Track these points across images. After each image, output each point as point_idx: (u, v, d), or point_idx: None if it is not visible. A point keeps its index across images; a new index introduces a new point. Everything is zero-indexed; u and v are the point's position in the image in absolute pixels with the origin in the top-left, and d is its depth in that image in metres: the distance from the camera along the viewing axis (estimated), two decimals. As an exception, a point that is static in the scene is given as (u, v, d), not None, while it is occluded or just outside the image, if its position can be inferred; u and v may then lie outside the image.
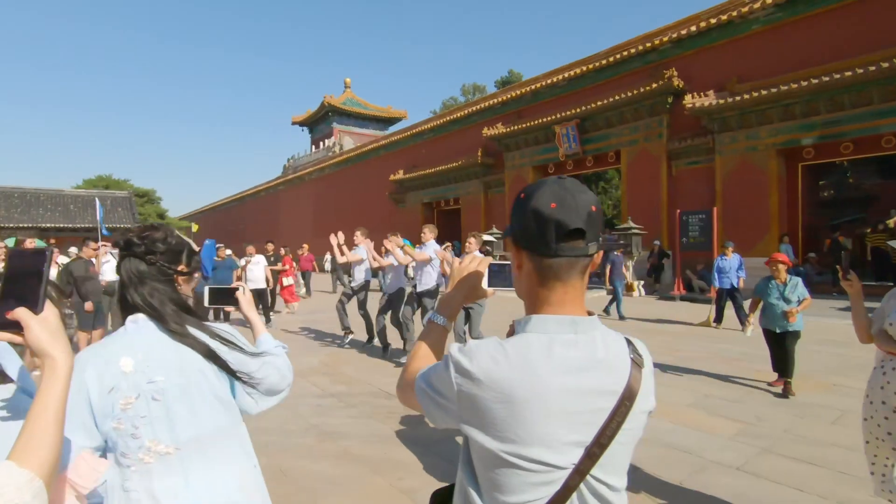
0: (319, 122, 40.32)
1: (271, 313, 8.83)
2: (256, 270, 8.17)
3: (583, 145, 17.01)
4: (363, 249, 6.76)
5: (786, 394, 4.61)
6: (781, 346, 4.78)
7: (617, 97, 15.37)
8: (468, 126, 22.17)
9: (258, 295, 8.34)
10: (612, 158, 17.01)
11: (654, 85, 14.47)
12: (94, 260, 6.46)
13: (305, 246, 15.58)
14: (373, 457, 3.29)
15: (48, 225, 31.85)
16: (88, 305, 6.11)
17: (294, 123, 42.54)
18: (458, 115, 22.78)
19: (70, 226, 32.34)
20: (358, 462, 3.24)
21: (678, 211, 13.06)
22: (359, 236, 6.99)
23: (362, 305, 6.68)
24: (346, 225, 31.49)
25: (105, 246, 7.35)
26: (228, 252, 8.17)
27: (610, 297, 9.94)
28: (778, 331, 4.78)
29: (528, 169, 19.18)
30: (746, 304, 6.40)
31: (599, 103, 15.85)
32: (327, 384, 4.89)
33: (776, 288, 4.83)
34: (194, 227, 28.33)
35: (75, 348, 5.84)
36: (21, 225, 30.67)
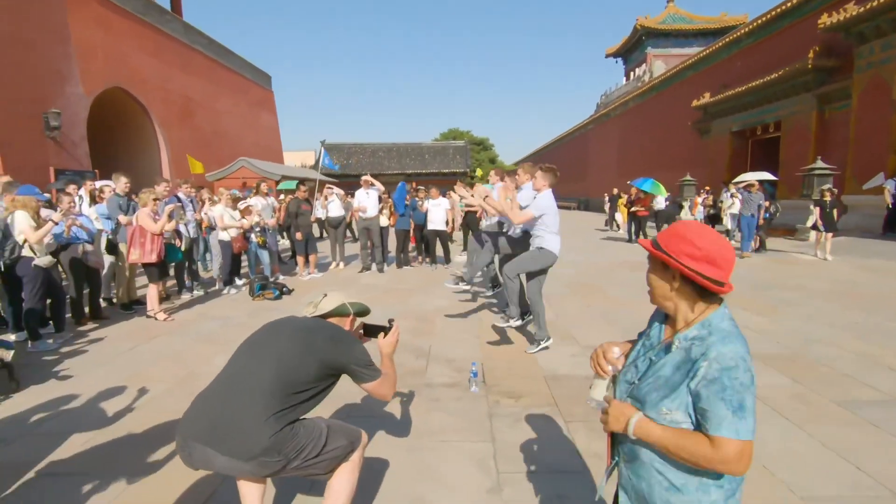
0: (633, 49, 36.80)
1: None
2: (437, 212, 8.86)
3: None
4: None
5: None
6: None
7: None
8: (799, 19, 16.18)
9: (438, 236, 9.06)
10: None
11: None
12: (310, 199, 8.47)
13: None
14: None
15: (410, 171, 41.51)
16: (299, 235, 8.15)
17: (608, 56, 40.28)
18: (787, 4, 16.80)
19: (424, 171, 41.29)
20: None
21: None
22: (492, 175, 6.67)
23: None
24: (647, 163, 28.91)
25: (331, 188, 9.45)
26: (424, 196, 9.18)
27: None
28: None
29: None
30: None
31: None
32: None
33: None
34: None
35: (254, 261, 7.90)
36: (391, 171, 40.96)
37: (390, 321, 2.48)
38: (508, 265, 4.48)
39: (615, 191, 17.55)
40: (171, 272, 6.75)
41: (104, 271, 6.30)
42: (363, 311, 2.24)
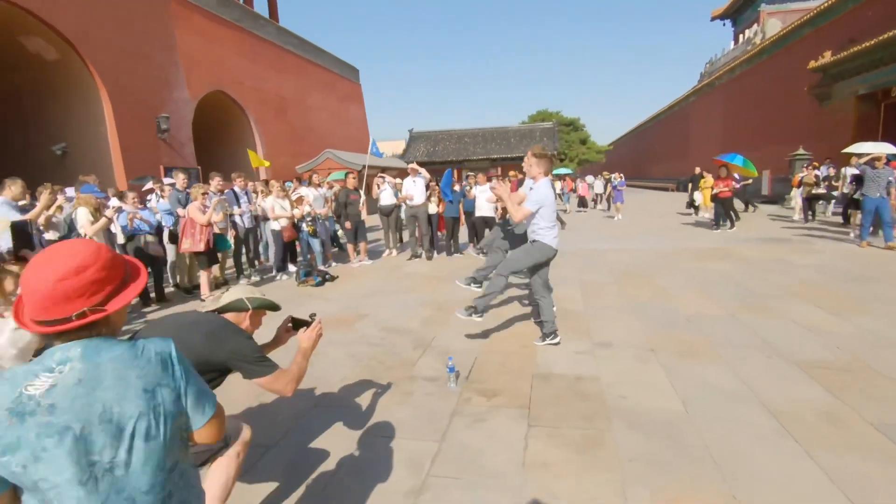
0: (744, 8, 32.67)
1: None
2: (485, 199, 8.63)
3: None
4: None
5: None
6: None
7: None
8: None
9: (484, 223, 8.83)
10: None
11: None
12: (359, 189, 8.71)
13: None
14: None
15: (496, 156, 41.03)
16: (348, 224, 8.43)
17: (714, 18, 36.23)
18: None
19: (510, 155, 40.58)
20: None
21: None
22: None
23: None
24: (756, 137, 25.88)
25: (383, 176, 9.62)
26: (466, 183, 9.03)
27: None
28: None
29: None
30: None
31: None
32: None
33: None
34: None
35: (309, 251, 8.21)
36: (477, 157, 40.79)
37: (311, 316, 2.47)
38: (501, 263, 4.23)
39: (697, 170, 15.81)
40: (227, 260, 7.36)
41: (171, 259, 7.05)
42: (265, 306, 2.24)
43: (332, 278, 7.44)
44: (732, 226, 11.05)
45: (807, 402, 3.03)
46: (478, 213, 8.81)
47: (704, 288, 5.95)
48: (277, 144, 23.73)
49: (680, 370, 3.57)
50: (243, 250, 8.02)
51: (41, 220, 5.53)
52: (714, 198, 11.42)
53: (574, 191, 20.64)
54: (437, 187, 9.44)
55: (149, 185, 8.82)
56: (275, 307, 2.30)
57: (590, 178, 24.84)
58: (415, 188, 8.70)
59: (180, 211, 6.61)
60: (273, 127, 23.48)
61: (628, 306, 5.30)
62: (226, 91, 20.49)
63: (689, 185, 16.20)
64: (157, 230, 6.54)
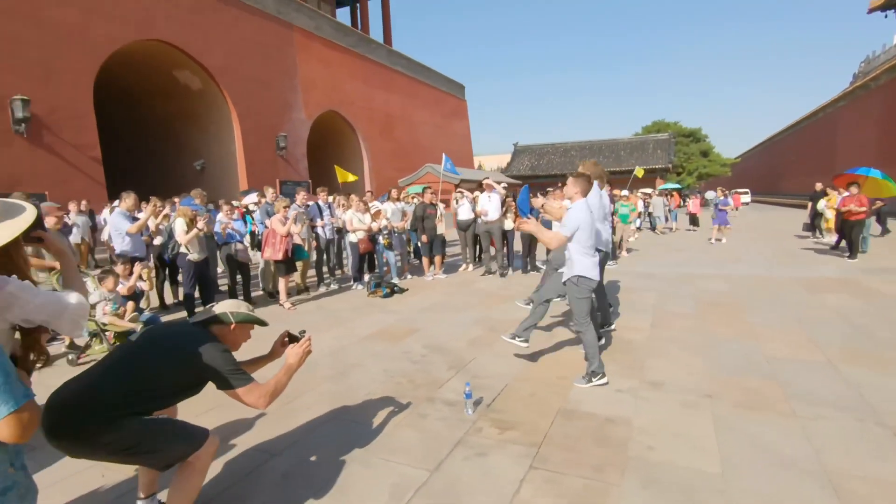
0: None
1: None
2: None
3: None
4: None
5: None
6: None
7: None
8: None
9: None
10: None
11: None
12: (435, 203, 8.84)
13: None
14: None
15: (605, 169, 39.23)
16: (423, 238, 8.60)
17: (872, 10, 31.17)
18: None
19: (618, 169, 38.50)
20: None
21: None
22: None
23: None
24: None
25: (461, 191, 9.66)
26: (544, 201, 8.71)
27: None
28: None
29: None
30: None
31: None
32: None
33: None
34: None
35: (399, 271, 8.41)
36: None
37: (301, 333, 2.53)
38: (541, 291, 4.00)
39: (818, 186, 13.46)
40: (309, 268, 7.89)
41: (261, 266, 7.75)
42: (248, 321, 2.33)
43: (401, 291, 7.61)
44: (854, 255, 9.29)
45: (892, 485, 2.41)
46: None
47: (806, 326, 5.06)
48: (383, 159, 25.09)
49: (734, 423, 3.06)
50: (324, 259, 8.56)
51: (152, 227, 6.42)
52: (841, 219, 9.72)
53: (681, 207, 18.97)
54: (513, 203, 9.26)
55: (252, 198, 9.81)
56: (260, 322, 2.39)
57: (710, 194, 22.64)
58: (489, 203, 8.62)
59: (267, 222, 7.26)
60: (379, 143, 24.89)
61: (700, 342, 4.69)
62: (338, 111, 22.20)
63: (810, 204, 13.99)
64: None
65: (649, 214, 18.91)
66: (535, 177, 42.52)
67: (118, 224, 5.56)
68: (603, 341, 4.77)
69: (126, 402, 1.93)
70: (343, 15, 28.84)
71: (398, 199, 9.10)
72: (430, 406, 3.50)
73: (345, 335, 5.38)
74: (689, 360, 4.20)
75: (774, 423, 3.05)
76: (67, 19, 12.63)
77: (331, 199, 8.68)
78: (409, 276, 8.97)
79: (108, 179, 13.90)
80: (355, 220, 8.00)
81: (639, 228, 18.44)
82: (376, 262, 8.82)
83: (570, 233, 3.69)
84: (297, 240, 7.33)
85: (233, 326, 2.27)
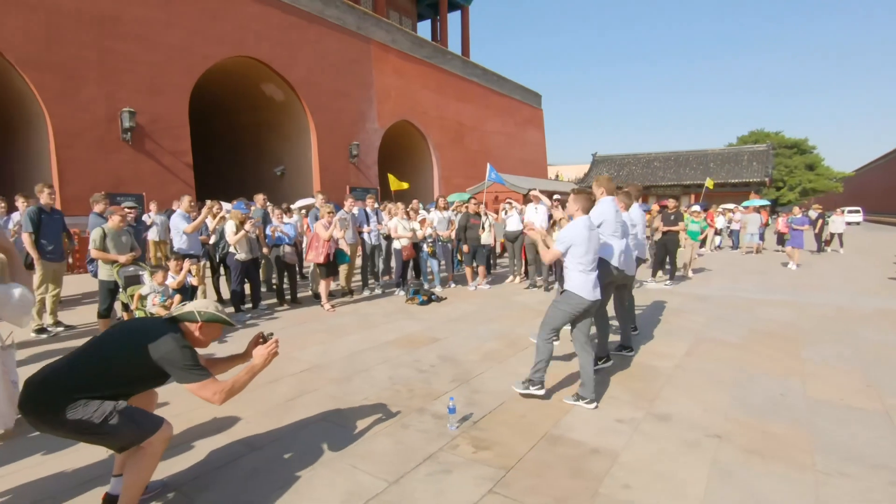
0: None
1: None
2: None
3: None
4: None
5: None
6: None
7: None
8: None
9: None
10: None
11: None
12: (479, 213, 8.80)
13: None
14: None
15: (689, 182, 36.76)
16: (465, 248, 8.59)
17: None
18: None
19: (704, 182, 35.84)
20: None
21: None
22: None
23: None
24: None
25: (510, 201, 9.51)
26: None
27: None
28: None
29: None
30: None
31: None
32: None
33: None
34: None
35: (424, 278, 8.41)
36: (666, 182, 37.17)
37: (269, 335, 2.65)
38: (540, 327, 3.79)
39: None
40: (355, 273, 8.17)
41: (311, 269, 8.16)
42: (215, 320, 2.47)
43: (439, 299, 7.65)
44: None
45: None
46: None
47: (871, 368, 4.40)
48: (453, 167, 25.42)
49: (733, 470, 2.74)
50: (370, 265, 8.82)
51: (211, 227, 7.00)
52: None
53: (768, 225, 17.28)
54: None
55: (305, 202, 10.36)
56: (227, 322, 2.53)
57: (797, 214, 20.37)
58: (535, 215, 8.42)
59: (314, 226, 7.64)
60: (450, 151, 25.25)
61: (734, 376, 4.25)
62: (410, 120, 22.86)
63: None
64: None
65: (731, 232, 17.44)
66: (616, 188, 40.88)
67: (177, 224, 6.16)
68: (611, 363, 4.50)
69: (90, 386, 2.13)
70: (424, 28, 29.73)
71: (445, 208, 9.17)
72: (417, 417, 3.49)
73: (366, 339, 5.52)
74: (711, 395, 3.82)
75: (782, 476, 2.68)
76: (174, 41, 14.21)
77: (377, 205, 8.94)
78: (452, 285, 8.99)
79: (198, 182, 15.37)
80: (400, 228, 8.18)
81: (718, 247, 17.08)
82: (421, 270, 8.94)
83: (564, 248, 3.56)
84: (343, 245, 7.65)
85: (199, 324, 2.43)
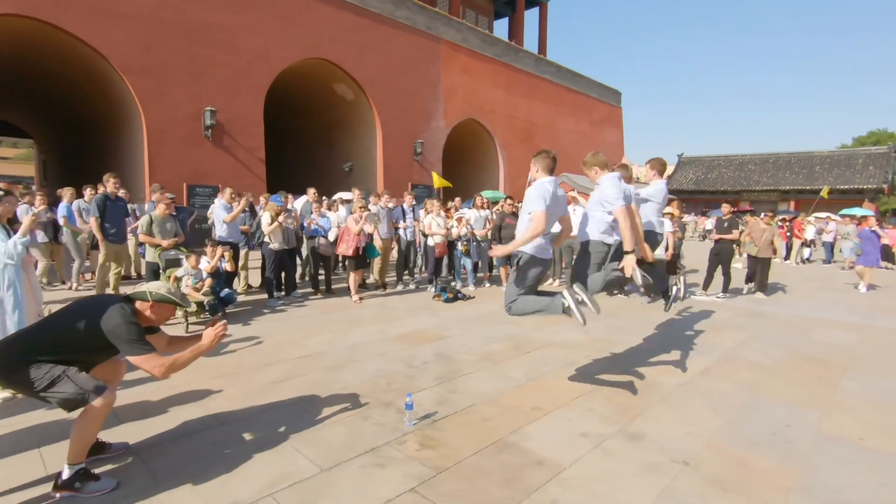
0: None
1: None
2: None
3: None
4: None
5: None
6: None
7: None
8: None
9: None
10: None
11: None
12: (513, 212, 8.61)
13: None
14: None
15: (788, 187, 33.25)
16: (492, 251, 8.45)
17: None
18: None
19: (809, 187, 32.19)
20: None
21: None
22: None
23: None
24: None
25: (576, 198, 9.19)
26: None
27: None
28: None
29: None
30: None
31: None
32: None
33: None
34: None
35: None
36: (761, 187, 33.94)
37: (221, 317, 2.83)
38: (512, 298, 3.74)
39: None
40: (388, 267, 8.37)
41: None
42: (166, 301, 2.67)
43: (466, 298, 7.63)
44: None
45: None
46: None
47: (923, 407, 3.76)
48: (520, 166, 25.04)
49: (685, 501, 2.49)
50: (404, 260, 8.98)
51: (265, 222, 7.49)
52: None
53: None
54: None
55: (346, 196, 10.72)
56: (177, 304, 2.73)
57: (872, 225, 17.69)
58: (573, 217, 8.09)
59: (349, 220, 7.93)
60: (517, 150, 24.91)
61: (741, 401, 3.83)
62: (477, 119, 22.84)
63: None
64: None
65: (824, 244, 15.60)
66: (701, 192, 37.97)
67: (218, 213, 6.70)
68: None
69: (48, 350, 2.42)
70: (501, 26, 29.53)
71: (482, 207, 9.09)
72: (381, 410, 3.53)
73: (376, 332, 5.64)
74: (703, 419, 3.48)
75: (737, 514, 2.40)
76: (255, 45, 15.35)
77: (415, 202, 9.07)
78: (487, 285, 8.91)
79: (269, 175, 16.48)
80: (434, 225, 8.25)
81: (808, 259, 15.36)
82: (455, 268, 8.95)
83: (528, 212, 3.49)
84: (377, 239, 7.87)
85: (150, 304, 2.65)
